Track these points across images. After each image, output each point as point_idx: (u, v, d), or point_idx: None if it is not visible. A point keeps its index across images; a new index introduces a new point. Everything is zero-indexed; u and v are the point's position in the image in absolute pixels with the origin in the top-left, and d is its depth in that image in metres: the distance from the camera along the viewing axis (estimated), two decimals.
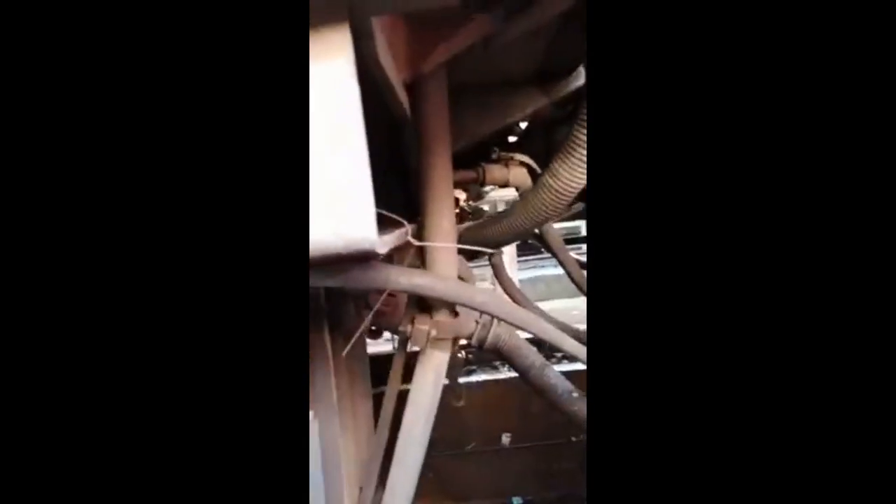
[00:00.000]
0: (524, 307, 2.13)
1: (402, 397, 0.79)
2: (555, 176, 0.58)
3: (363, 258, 0.42)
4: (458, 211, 1.74)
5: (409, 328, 0.69)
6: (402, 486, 0.74)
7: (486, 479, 2.92)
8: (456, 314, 0.73)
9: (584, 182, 0.58)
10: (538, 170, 1.69)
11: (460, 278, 1.44)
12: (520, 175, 1.57)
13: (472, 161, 1.43)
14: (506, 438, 3.03)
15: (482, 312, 0.70)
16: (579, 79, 1.33)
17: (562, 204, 0.61)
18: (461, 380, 3.02)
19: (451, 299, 0.67)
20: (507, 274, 2.06)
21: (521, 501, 2.80)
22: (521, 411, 2.91)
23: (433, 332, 0.69)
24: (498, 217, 0.70)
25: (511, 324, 0.75)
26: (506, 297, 1.94)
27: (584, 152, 0.55)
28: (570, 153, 0.56)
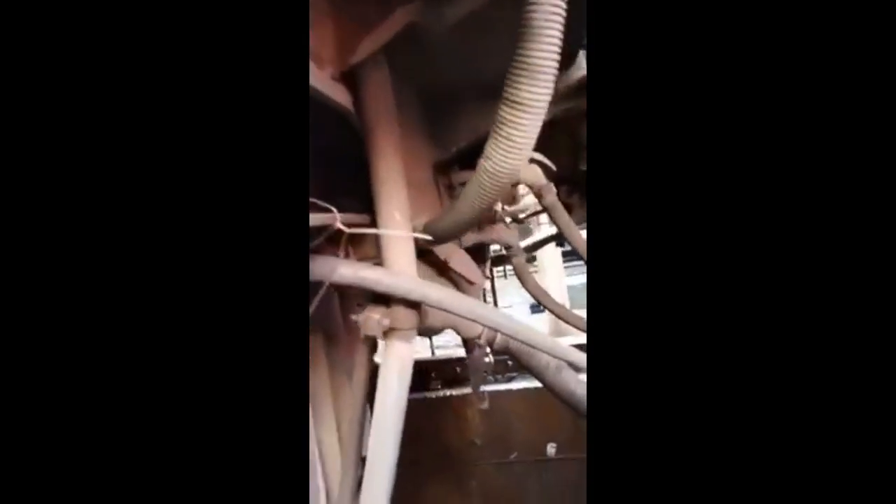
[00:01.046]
0: (557, 313, 2.05)
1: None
2: (488, 158, 0.56)
3: None
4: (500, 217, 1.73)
5: (361, 317, 0.69)
6: (378, 482, 0.74)
7: (532, 491, 2.82)
8: (417, 307, 0.72)
9: (517, 161, 0.55)
10: (552, 167, 1.64)
11: (468, 280, 1.43)
12: (532, 173, 1.54)
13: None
14: (551, 449, 2.92)
15: (439, 309, 0.68)
16: (580, 69, 1.29)
17: (499, 185, 0.58)
18: (503, 387, 2.96)
19: (400, 294, 0.66)
20: (532, 278, 2.00)
21: None
22: (567, 420, 2.79)
23: (386, 322, 0.69)
24: (448, 208, 0.69)
25: (475, 321, 0.73)
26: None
27: (510, 130, 0.53)
28: (497, 132, 0.54)
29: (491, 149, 0.56)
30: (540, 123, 0.52)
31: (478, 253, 1.67)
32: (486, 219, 1.84)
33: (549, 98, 0.49)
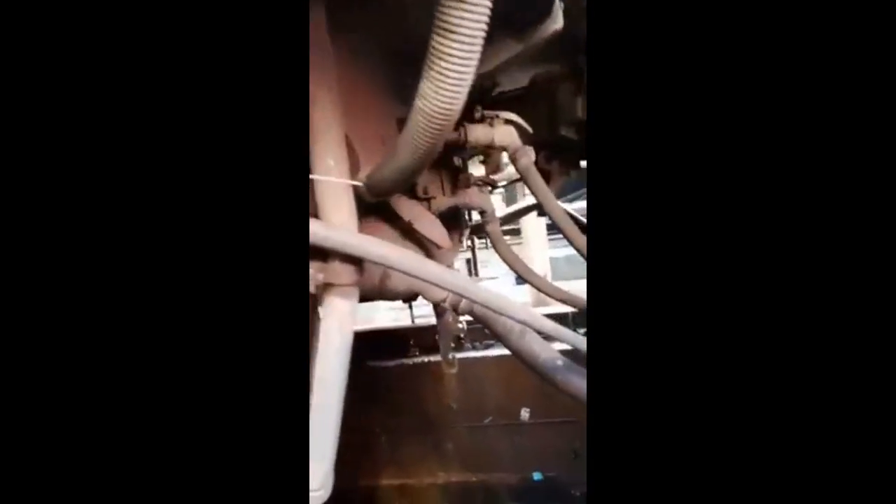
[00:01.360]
0: (534, 283, 2.03)
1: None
2: (422, 97, 0.52)
3: None
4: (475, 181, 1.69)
5: None
6: (321, 443, 0.72)
7: (506, 454, 2.90)
8: (357, 262, 0.69)
9: (453, 99, 0.51)
10: (528, 128, 1.59)
11: (434, 244, 1.40)
12: (506, 134, 1.49)
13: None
14: (525, 413, 2.98)
15: (380, 265, 0.65)
16: (556, 22, 1.23)
17: (436, 127, 0.54)
18: (479, 354, 2.99)
19: (335, 247, 0.63)
20: (507, 246, 1.97)
21: (541, 477, 2.76)
22: (540, 387, 2.84)
23: (320, 277, 0.66)
24: (387, 157, 0.64)
25: (426, 281, 0.70)
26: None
27: (445, 64, 0.48)
28: (430, 68, 0.50)
29: (424, 86, 0.51)
30: (476, 55, 0.48)
31: (454, 220, 1.64)
32: (460, 183, 1.79)
33: (483, 24, 0.45)
